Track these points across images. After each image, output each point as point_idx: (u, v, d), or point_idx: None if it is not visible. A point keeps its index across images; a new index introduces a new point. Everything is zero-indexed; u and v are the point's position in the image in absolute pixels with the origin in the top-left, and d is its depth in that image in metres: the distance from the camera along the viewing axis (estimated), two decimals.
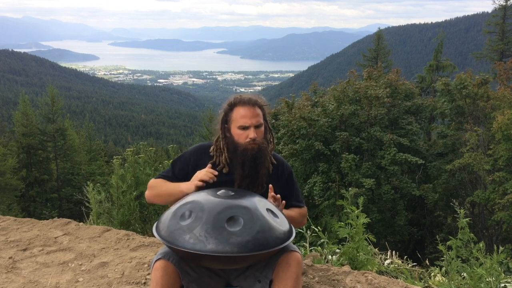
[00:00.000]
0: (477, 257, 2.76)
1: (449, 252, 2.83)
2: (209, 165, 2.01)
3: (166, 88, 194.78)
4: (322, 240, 3.35)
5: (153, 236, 3.61)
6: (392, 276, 3.08)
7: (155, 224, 1.77)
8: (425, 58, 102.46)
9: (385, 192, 13.02)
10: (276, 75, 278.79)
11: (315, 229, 3.39)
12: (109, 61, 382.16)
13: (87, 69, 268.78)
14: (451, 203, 4.79)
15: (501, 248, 2.74)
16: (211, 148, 2.10)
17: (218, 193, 1.78)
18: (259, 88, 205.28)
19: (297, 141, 13.84)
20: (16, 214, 16.26)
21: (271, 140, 2.12)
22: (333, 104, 14.39)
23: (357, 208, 2.98)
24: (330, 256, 3.21)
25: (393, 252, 3.60)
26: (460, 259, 2.88)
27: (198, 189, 1.91)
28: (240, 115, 1.99)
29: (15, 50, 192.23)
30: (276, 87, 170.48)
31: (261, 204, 1.74)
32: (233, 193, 1.79)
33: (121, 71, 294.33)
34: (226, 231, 1.59)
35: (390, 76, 15.70)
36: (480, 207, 13.24)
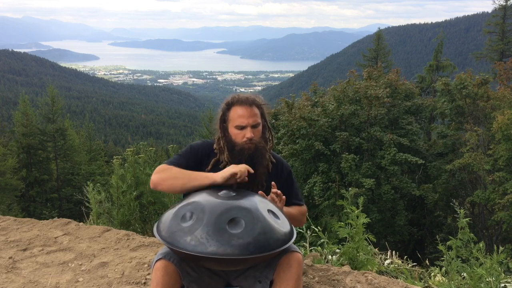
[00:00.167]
0: (477, 257, 2.76)
1: (449, 252, 2.83)
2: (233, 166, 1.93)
3: (166, 88, 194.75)
4: (322, 240, 3.35)
5: (153, 236, 3.61)
6: (392, 276, 3.08)
7: (155, 225, 1.76)
8: (425, 58, 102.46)
9: (385, 192, 13.02)
10: (276, 75, 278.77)
11: (315, 229, 3.39)
12: (109, 61, 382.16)
13: (87, 69, 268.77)
14: (451, 203, 4.79)
15: (501, 248, 2.74)
16: (215, 146, 2.10)
17: (219, 193, 1.78)
18: (259, 88, 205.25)
19: (297, 141, 13.84)
20: (16, 214, 16.26)
21: (270, 138, 2.12)
22: (333, 104, 14.39)
23: (357, 208, 2.98)
24: (330, 256, 3.21)
25: (393, 252, 3.60)
26: (460, 259, 2.88)
27: (226, 180, 1.86)
28: (237, 114, 1.99)
29: (15, 50, 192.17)
30: (276, 87, 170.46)
31: (262, 205, 1.74)
32: (234, 194, 1.78)
33: (121, 71, 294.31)
34: (228, 233, 1.58)
35: (390, 76, 15.70)
36: (480, 207, 13.24)
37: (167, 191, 1.97)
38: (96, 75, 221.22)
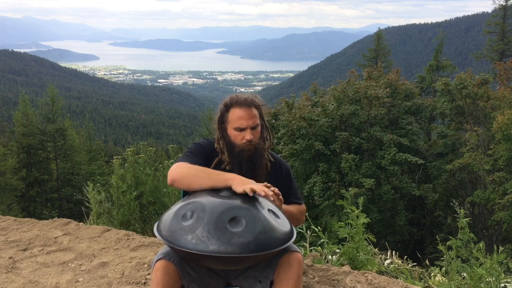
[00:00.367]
0: (477, 257, 2.76)
1: (449, 252, 2.83)
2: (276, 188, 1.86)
3: (166, 88, 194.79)
4: (322, 240, 3.35)
5: (153, 236, 3.61)
6: (392, 276, 3.08)
7: (156, 224, 1.76)
8: (425, 58, 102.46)
9: (385, 192, 13.02)
10: (276, 75, 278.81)
11: (315, 229, 3.39)
12: (109, 61, 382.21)
13: (87, 69, 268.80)
14: (451, 203, 4.79)
15: (501, 248, 2.74)
16: (216, 145, 2.10)
17: (220, 193, 1.78)
18: (259, 88, 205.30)
19: (297, 141, 13.84)
20: (16, 214, 16.26)
21: (268, 137, 2.12)
22: (333, 104, 14.39)
23: (357, 208, 2.98)
24: (330, 256, 3.21)
25: (393, 252, 3.60)
26: (460, 259, 2.88)
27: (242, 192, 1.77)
28: (236, 116, 1.98)
29: (15, 50, 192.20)
30: (276, 87, 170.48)
31: (262, 205, 1.74)
32: (234, 194, 1.79)
33: (121, 71, 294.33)
34: (228, 232, 1.59)
35: (390, 76, 15.70)
36: (480, 207, 13.24)
37: (184, 188, 1.91)
38: (96, 75, 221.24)
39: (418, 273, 3.31)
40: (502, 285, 2.73)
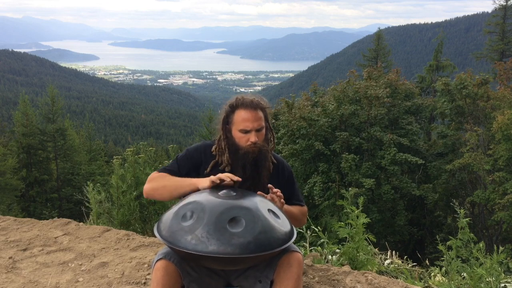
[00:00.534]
0: (477, 257, 2.76)
1: (449, 252, 2.83)
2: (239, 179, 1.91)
3: (166, 88, 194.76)
4: (322, 240, 3.35)
5: (153, 236, 3.61)
6: (392, 276, 3.08)
7: (156, 224, 1.76)
8: (425, 58, 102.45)
9: (385, 192, 13.02)
10: (276, 75, 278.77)
11: (315, 229, 3.39)
12: (109, 61, 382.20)
13: (87, 69, 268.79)
14: (451, 203, 4.79)
15: (501, 248, 2.74)
16: (213, 148, 2.10)
17: (219, 193, 1.78)
18: (259, 88, 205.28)
19: (297, 141, 13.84)
20: (16, 214, 16.26)
21: (271, 139, 2.12)
22: (333, 104, 14.39)
23: (357, 208, 2.98)
24: (330, 256, 3.21)
25: (393, 252, 3.60)
26: (460, 259, 2.88)
27: (212, 186, 1.85)
28: (242, 118, 1.97)
29: (15, 50, 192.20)
30: (276, 87, 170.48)
31: (262, 205, 1.74)
32: (234, 194, 1.78)
33: (121, 71, 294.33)
34: (228, 232, 1.58)
35: (390, 76, 15.70)
36: (480, 207, 13.24)
37: (159, 199, 2.00)
38: (96, 75, 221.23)
39: (418, 273, 3.31)
40: (502, 285, 2.73)
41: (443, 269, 3.03)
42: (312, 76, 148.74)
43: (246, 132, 1.97)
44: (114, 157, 5.10)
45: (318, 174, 13.53)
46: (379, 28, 28.69)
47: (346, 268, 2.79)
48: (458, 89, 13.95)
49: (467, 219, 2.87)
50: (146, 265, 2.93)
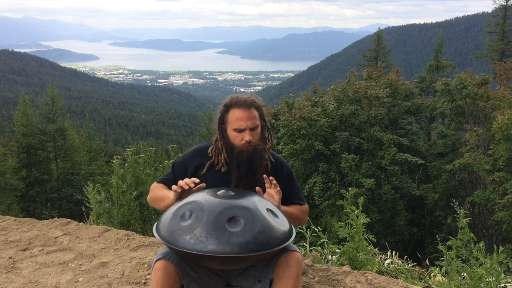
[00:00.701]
0: (477, 257, 2.76)
1: (449, 252, 2.82)
2: (196, 180, 1.96)
3: (166, 88, 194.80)
4: (322, 240, 3.34)
5: (153, 236, 3.61)
6: (392, 276, 3.08)
7: (155, 224, 1.76)
8: (425, 58, 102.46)
9: (385, 192, 13.02)
10: (276, 75, 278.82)
11: (315, 229, 3.39)
12: (109, 61, 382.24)
13: (87, 69, 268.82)
14: (451, 203, 4.79)
15: (501, 248, 2.74)
16: (210, 149, 2.11)
17: (218, 193, 1.78)
18: (259, 88, 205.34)
19: (297, 141, 13.83)
20: (16, 214, 16.26)
21: (269, 138, 2.12)
22: (333, 104, 14.38)
23: (357, 208, 2.98)
24: (330, 256, 3.21)
25: (393, 252, 3.60)
26: (460, 259, 2.88)
27: (178, 195, 1.87)
28: (236, 117, 1.99)
29: (15, 50, 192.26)
30: (276, 87, 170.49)
31: (261, 204, 1.74)
32: (233, 193, 1.79)
33: (121, 71, 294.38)
34: (227, 232, 1.59)
35: (390, 76, 15.69)
36: (480, 207, 13.24)
37: (158, 209, 2.16)
38: (96, 75, 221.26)
39: (418, 273, 3.30)
40: (502, 285, 2.73)
41: (443, 269, 3.03)
42: (312, 76, 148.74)
43: (240, 131, 1.99)
44: (114, 157, 5.10)
45: (318, 174, 13.52)
46: (379, 28, 28.69)
47: (346, 268, 2.79)
48: (458, 89, 13.95)
49: (467, 219, 2.87)
50: (146, 265, 2.93)
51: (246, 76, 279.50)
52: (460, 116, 14.60)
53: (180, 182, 1.87)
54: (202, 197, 1.76)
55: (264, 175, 1.97)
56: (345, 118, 14.07)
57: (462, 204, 12.64)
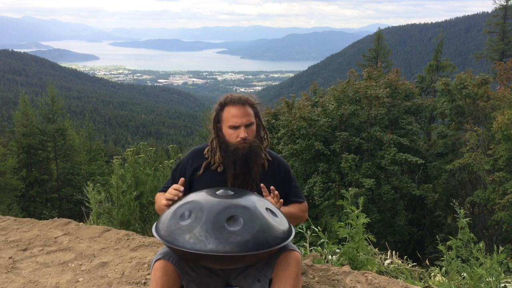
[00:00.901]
0: (477, 257, 2.76)
1: (449, 252, 2.82)
2: (182, 179, 2.00)
3: (166, 88, 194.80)
4: (322, 240, 3.35)
5: (153, 236, 3.61)
6: (392, 276, 3.08)
7: (154, 224, 1.77)
8: (425, 58, 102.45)
9: (385, 192, 13.02)
10: (276, 75, 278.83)
11: (315, 229, 3.39)
12: (109, 61, 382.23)
13: (87, 69, 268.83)
14: (451, 203, 4.79)
15: (501, 248, 2.74)
16: (206, 150, 2.12)
17: (217, 192, 1.78)
18: (259, 88, 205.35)
19: (297, 141, 13.83)
20: (16, 214, 16.26)
21: (265, 137, 2.13)
22: (333, 104, 14.38)
23: (357, 208, 2.98)
24: (330, 256, 3.21)
25: (393, 252, 3.60)
26: (460, 259, 2.88)
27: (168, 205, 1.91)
28: (231, 114, 2.00)
29: (15, 50, 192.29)
30: (276, 87, 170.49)
31: (260, 204, 1.74)
32: (232, 193, 1.79)
33: (121, 71, 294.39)
34: (226, 231, 1.59)
35: (390, 76, 15.69)
36: (480, 207, 13.23)
37: None
38: (96, 75, 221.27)
39: (418, 273, 3.30)
40: (502, 285, 2.73)
41: (443, 269, 3.03)
42: (312, 76, 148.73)
43: (235, 128, 2.00)
44: (114, 157, 5.10)
45: (318, 174, 13.52)
46: (379, 28, 28.68)
47: (346, 268, 2.79)
48: (458, 89, 13.94)
49: (467, 219, 2.87)
50: (146, 265, 2.93)
51: (246, 76, 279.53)
52: (460, 116, 14.59)
53: (167, 195, 1.91)
54: (201, 196, 1.76)
55: (262, 184, 1.97)
56: (345, 118, 14.06)
57: (462, 204, 12.64)
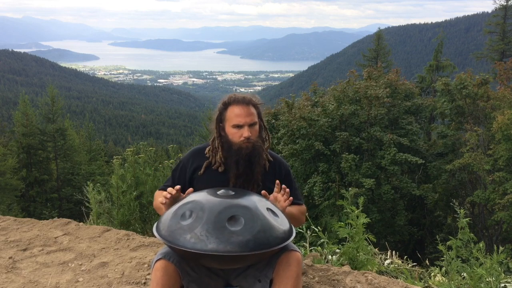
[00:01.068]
0: (477, 257, 2.76)
1: (449, 252, 2.82)
2: (178, 187, 1.95)
3: (166, 88, 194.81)
4: (322, 240, 3.34)
5: (153, 236, 3.61)
6: (392, 276, 3.08)
7: (155, 224, 1.77)
8: (425, 58, 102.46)
9: (385, 192, 13.02)
10: (276, 75, 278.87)
11: (315, 229, 3.39)
12: (109, 61, 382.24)
13: (87, 69, 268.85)
14: (451, 203, 4.79)
15: (501, 248, 2.74)
16: (207, 149, 2.12)
17: (218, 192, 1.78)
18: (259, 88, 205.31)
19: (297, 141, 13.83)
20: (16, 214, 16.26)
21: (267, 138, 2.13)
22: (333, 104, 14.38)
23: (357, 208, 2.98)
24: (330, 256, 3.21)
25: (393, 252, 3.60)
26: (460, 259, 2.88)
27: (169, 205, 1.88)
28: (234, 114, 2.00)
29: (15, 50, 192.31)
30: (276, 87, 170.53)
31: (261, 204, 1.74)
32: (233, 193, 1.79)
33: (121, 71, 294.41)
34: (227, 231, 1.59)
35: (390, 76, 15.69)
36: (480, 207, 13.23)
37: None
38: (96, 75, 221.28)
39: (418, 273, 3.30)
40: (502, 285, 2.73)
41: (443, 269, 3.03)
42: (312, 76, 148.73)
43: (239, 127, 2.00)
44: (114, 157, 5.10)
45: (318, 174, 13.52)
46: (379, 28, 28.68)
47: (346, 268, 2.79)
48: (458, 89, 13.94)
49: (467, 219, 2.87)
50: (146, 265, 2.93)
51: (246, 76, 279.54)
52: (460, 116, 14.59)
53: (163, 193, 1.89)
54: (202, 196, 1.76)
55: (277, 181, 1.97)
56: (345, 118, 14.06)
57: (462, 204, 12.63)
